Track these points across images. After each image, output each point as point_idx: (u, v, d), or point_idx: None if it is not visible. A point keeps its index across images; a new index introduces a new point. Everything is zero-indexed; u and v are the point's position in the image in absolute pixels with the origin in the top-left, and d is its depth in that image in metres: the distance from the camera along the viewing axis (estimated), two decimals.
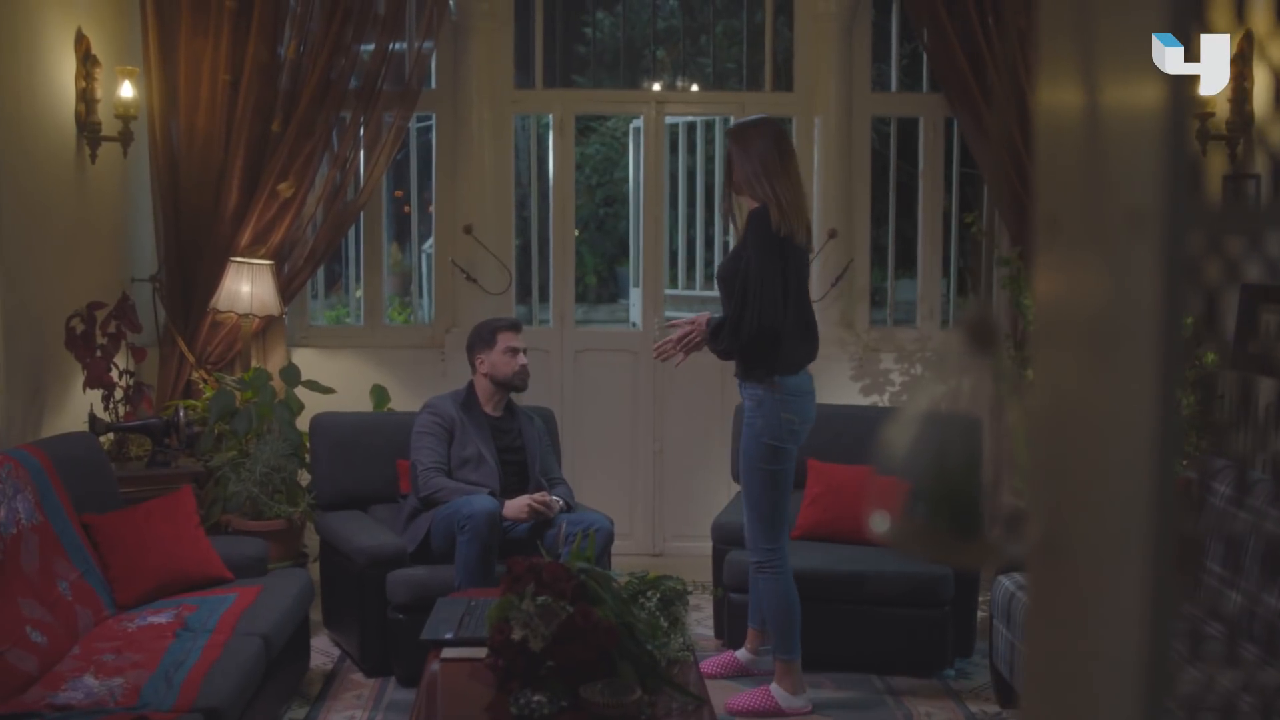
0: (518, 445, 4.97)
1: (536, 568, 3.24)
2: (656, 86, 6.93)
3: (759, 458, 4.25)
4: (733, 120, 6.27)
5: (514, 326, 5.05)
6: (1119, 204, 0.84)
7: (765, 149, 4.25)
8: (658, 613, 3.43)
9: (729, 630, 4.84)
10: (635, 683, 3.14)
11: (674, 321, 4.57)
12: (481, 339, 5.01)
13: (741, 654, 4.62)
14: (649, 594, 3.47)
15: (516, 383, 4.99)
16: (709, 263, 6.90)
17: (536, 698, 3.10)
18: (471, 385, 5.03)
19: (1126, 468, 0.85)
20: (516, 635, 3.13)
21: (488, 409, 4.98)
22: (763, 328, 4.13)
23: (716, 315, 4.39)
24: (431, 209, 6.35)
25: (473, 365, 5.04)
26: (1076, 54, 0.90)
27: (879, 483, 1.01)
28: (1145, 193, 0.83)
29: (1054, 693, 0.94)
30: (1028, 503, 0.99)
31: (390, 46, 5.79)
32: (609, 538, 4.59)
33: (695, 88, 7.55)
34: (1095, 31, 0.88)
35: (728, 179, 4.37)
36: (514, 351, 4.96)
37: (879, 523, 1.00)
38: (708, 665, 4.53)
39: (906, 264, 7.07)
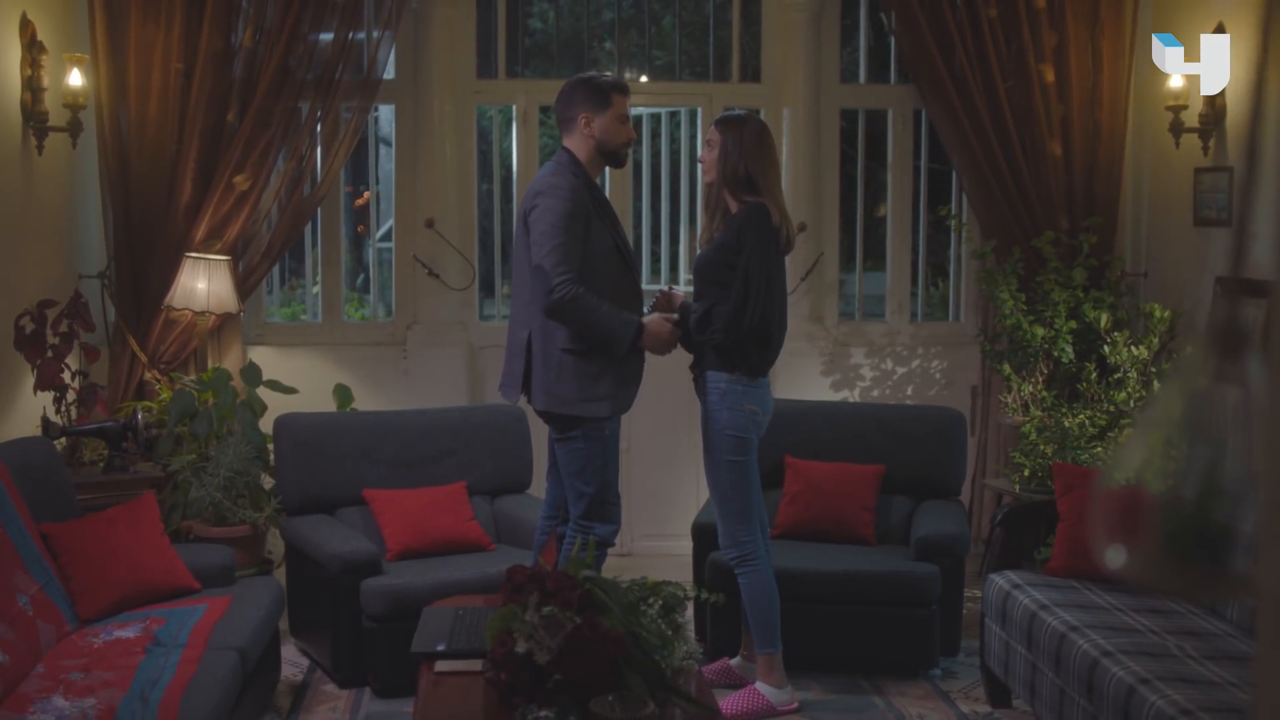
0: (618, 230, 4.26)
1: (539, 576, 3.10)
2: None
3: (726, 450, 4.22)
4: (701, 112, 6.16)
5: (627, 89, 4.20)
6: None
7: (770, 147, 4.24)
8: (660, 620, 3.30)
9: (712, 635, 4.72)
10: (645, 695, 3.01)
11: (658, 303, 4.39)
12: (589, 97, 4.10)
13: (736, 662, 4.51)
14: (650, 601, 3.35)
15: (623, 156, 4.23)
16: (675, 256, 6.76)
17: (543, 713, 2.95)
18: (572, 156, 4.14)
19: None
20: (520, 648, 2.98)
21: None
22: (760, 325, 4.12)
23: (690, 302, 4.31)
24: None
25: (570, 126, 4.13)
26: None
27: (1111, 510, 0.89)
28: None
29: None
30: (1267, 529, 0.88)
31: (349, 35, 5.59)
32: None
33: (644, 79, 7.40)
34: None
35: (720, 172, 4.20)
36: (626, 119, 4.17)
37: (1115, 556, 0.89)
38: (704, 672, 4.42)
39: (870, 258, 7.00)
